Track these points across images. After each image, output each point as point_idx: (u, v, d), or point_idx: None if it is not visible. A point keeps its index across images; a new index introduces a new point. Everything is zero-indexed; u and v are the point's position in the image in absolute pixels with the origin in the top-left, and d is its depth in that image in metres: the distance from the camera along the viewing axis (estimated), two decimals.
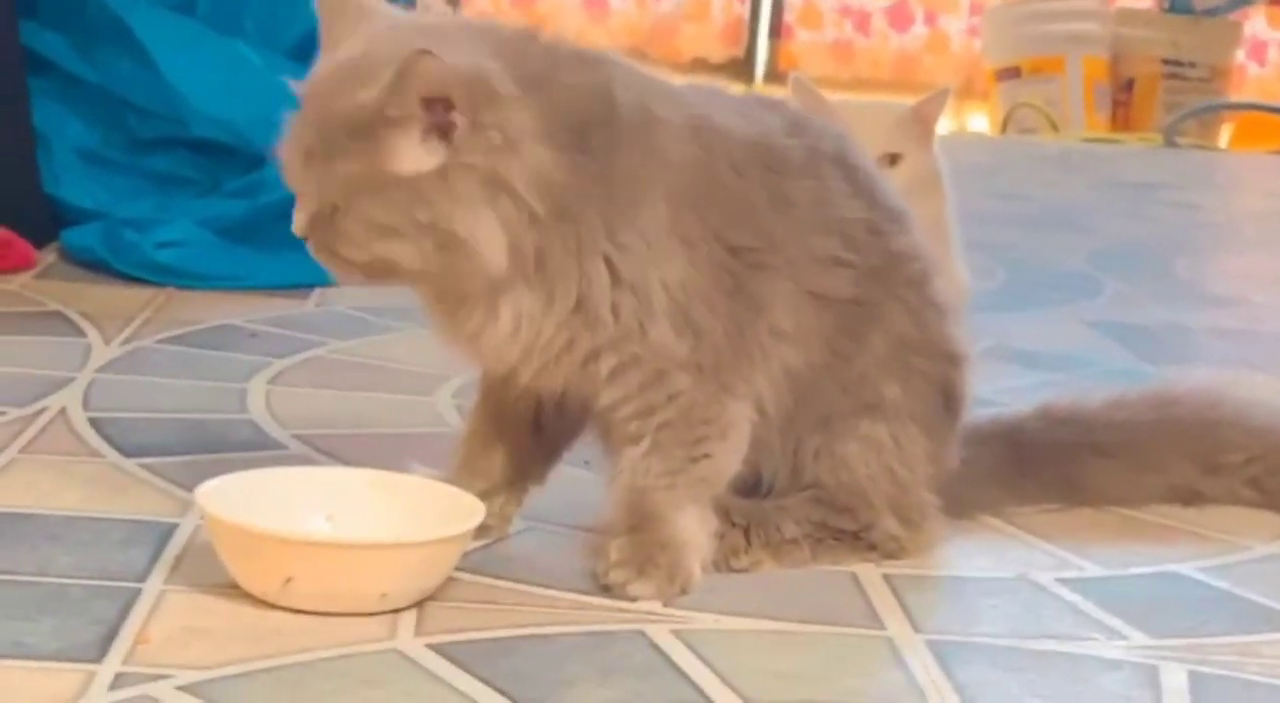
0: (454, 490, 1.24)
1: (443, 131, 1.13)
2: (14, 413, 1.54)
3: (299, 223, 1.23)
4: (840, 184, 1.28)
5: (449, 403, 1.70)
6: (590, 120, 1.18)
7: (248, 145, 2.27)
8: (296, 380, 1.75)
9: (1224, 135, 7.18)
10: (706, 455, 1.23)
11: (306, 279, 2.20)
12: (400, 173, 1.14)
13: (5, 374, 1.67)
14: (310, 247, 1.23)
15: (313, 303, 2.14)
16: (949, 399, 1.31)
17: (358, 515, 1.21)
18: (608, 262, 1.18)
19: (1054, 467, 1.44)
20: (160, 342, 1.86)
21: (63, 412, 1.56)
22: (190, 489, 1.22)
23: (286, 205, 2.25)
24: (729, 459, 1.25)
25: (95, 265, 2.19)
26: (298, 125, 1.24)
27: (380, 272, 1.18)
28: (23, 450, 1.44)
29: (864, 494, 1.28)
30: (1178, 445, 1.48)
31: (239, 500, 1.16)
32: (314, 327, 2.00)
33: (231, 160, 2.33)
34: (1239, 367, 2.19)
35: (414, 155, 1.14)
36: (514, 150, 1.14)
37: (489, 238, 1.14)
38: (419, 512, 1.21)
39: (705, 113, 1.25)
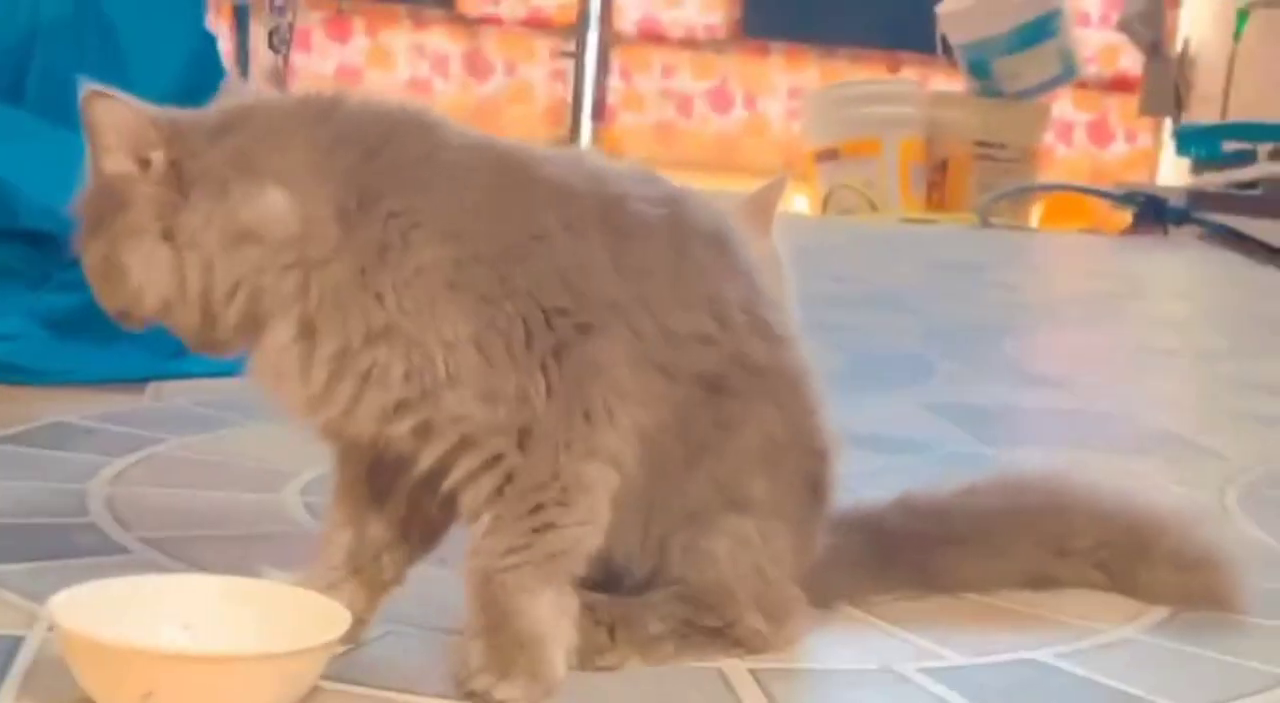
0: (313, 596, 1.21)
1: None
2: None
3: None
4: (716, 261, 1.26)
5: (296, 500, 1.66)
6: (362, 161, 1.17)
7: None
8: (138, 480, 1.70)
9: (1035, 214, 7.38)
10: (550, 526, 1.17)
11: (141, 372, 2.16)
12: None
13: None
14: None
15: (149, 397, 2.09)
16: (816, 493, 1.31)
17: (216, 625, 1.18)
18: (363, 311, 1.15)
19: (912, 555, 1.46)
20: None
21: None
22: (36, 599, 1.18)
23: None
24: (581, 530, 1.18)
25: None
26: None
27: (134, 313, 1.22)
28: None
29: (729, 591, 1.27)
30: (1028, 531, 1.50)
31: (92, 612, 1.12)
32: (152, 422, 1.95)
33: (57, 252, 2.27)
34: (1074, 447, 2.23)
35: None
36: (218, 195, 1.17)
37: (150, 276, 1.19)
38: (278, 619, 1.18)
39: (532, 167, 1.21)
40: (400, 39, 7.64)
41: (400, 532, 1.27)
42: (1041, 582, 1.51)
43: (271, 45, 4.05)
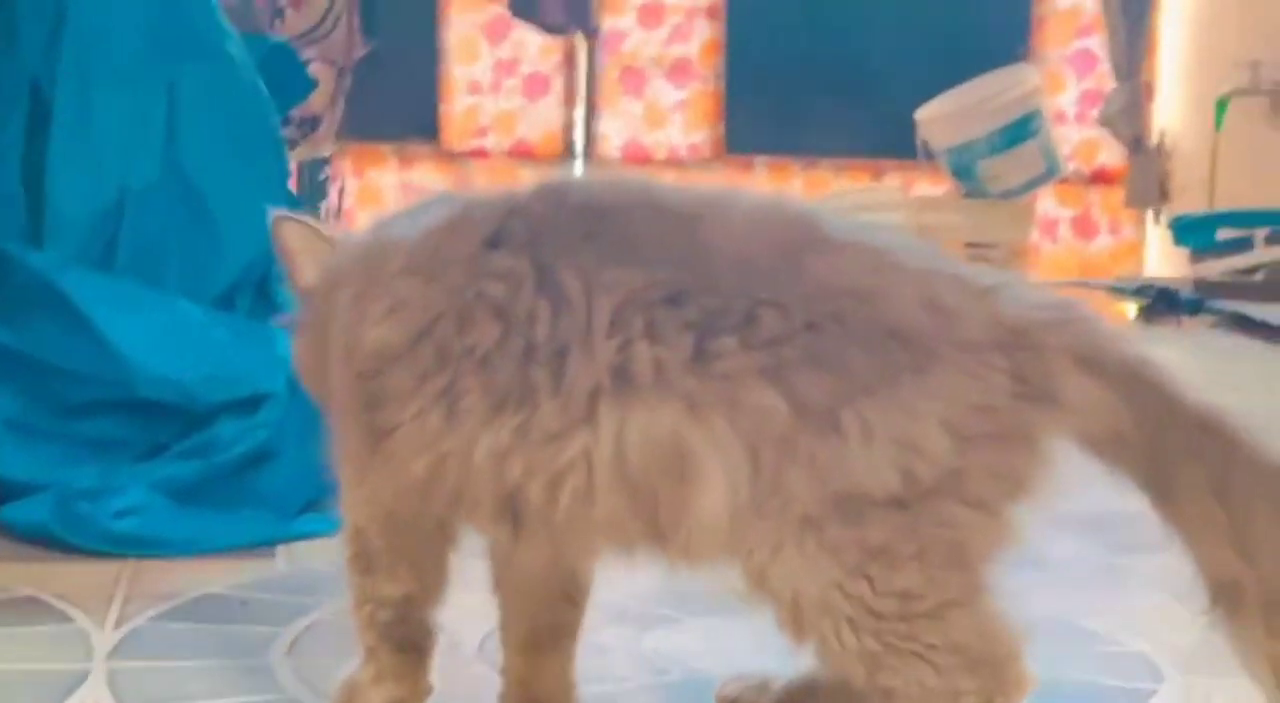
0: None
1: None
2: None
3: None
4: None
5: (478, 656, 1.64)
6: None
7: (195, 404, 2.21)
8: (314, 650, 1.68)
9: None
10: None
11: (266, 536, 2.14)
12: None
13: (14, 672, 1.58)
14: None
15: (283, 561, 2.07)
16: None
17: None
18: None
19: None
20: (153, 620, 1.78)
21: None
22: None
23: (240, 463, 2.22)
24: None
25: (41, 540, 2.09)
26: None
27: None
28: None
29: None
30: None
31: None
32: (300, 588, 1.93)
33: (169, 420, 2.27)
34: None
35: None
36: None
37: None
38: None
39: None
40: (387, 177, 7.68)
41: None
42: None
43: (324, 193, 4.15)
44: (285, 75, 2.71)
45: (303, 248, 1.41)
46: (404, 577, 1.37)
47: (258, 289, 2.47)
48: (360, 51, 3.60)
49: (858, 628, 1.20)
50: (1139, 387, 1.23)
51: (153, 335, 2.22)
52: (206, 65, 2.44)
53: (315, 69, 3.37)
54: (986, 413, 1.20)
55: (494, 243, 1.26)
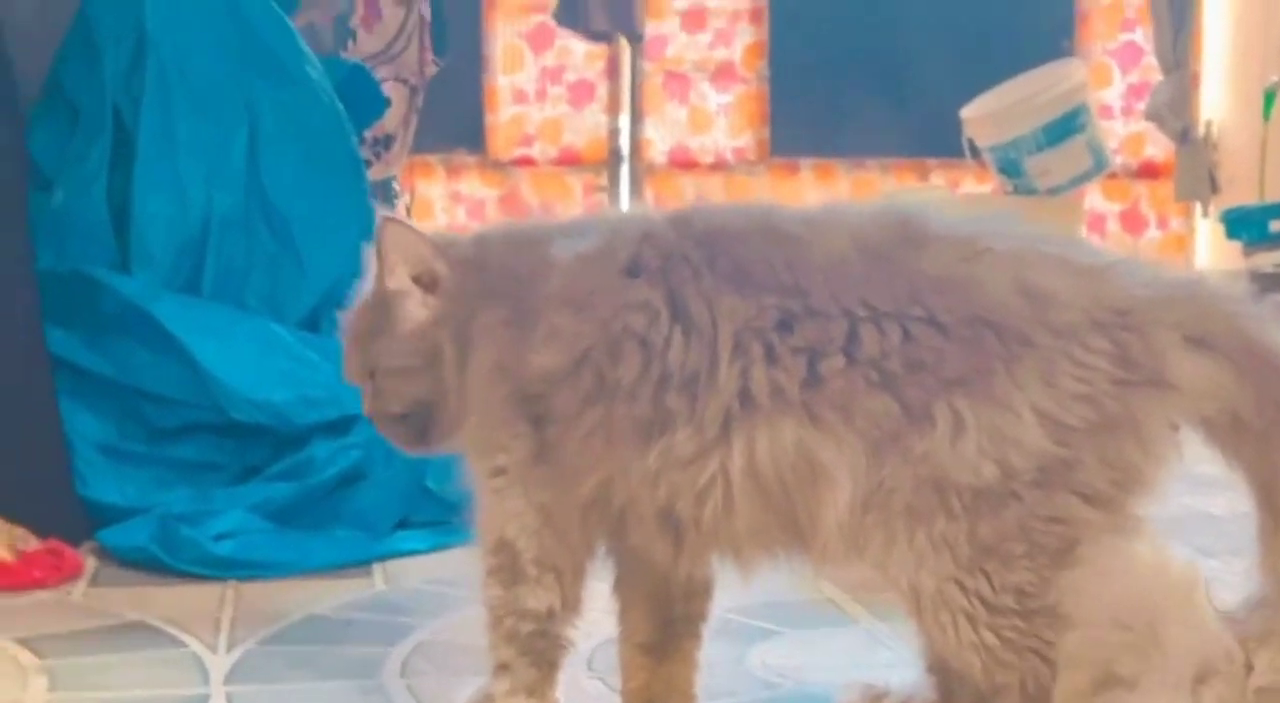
0: None
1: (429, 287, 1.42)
2: None
3: (365, 406, 1.48)
4: None
5: (585, 672, 1.66)
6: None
7: (289, 425, 2.24)
8: (424, 670, 1.70)
9: None
10: None
11: (362, 556, 2.16)
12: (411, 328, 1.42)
13: (135, 698, 1.61)
14: (379, 427, 1.49)
15: (380, 581, 2.09)
16: None
17: None
18: None
19: None
20: (263, 643, 1.80)
21: None
22: None
23: (334, 483, 2.25)
24: None
25: (141, 564, 2.12)
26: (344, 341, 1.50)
27: (417, 418, 1.45)
28: None
29: None
30: None
31: None
32: (399, 608, 1.96)
33: (260, 442, 2.30)
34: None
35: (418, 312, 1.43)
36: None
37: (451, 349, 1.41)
38: None
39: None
40: (435, 189, 7.70)
41: None
42: None
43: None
44: (362, 97, 2.73)
45: (401, 251, 1.42)
46: (551, 589, 1.39)
47: (339, 312, 2.49)
48: (431, 69, 3.63)
49: (975, 622, 1.22)
50: (1259, 366, 1.21)
51: (244, 359, 2.25)
52: (287, 90, 2.47)
53: (388, 88, 3.40)
54: (1087, 400, 1.20)
55: (632, 272, 1.30)
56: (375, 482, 2.24)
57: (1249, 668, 1.16)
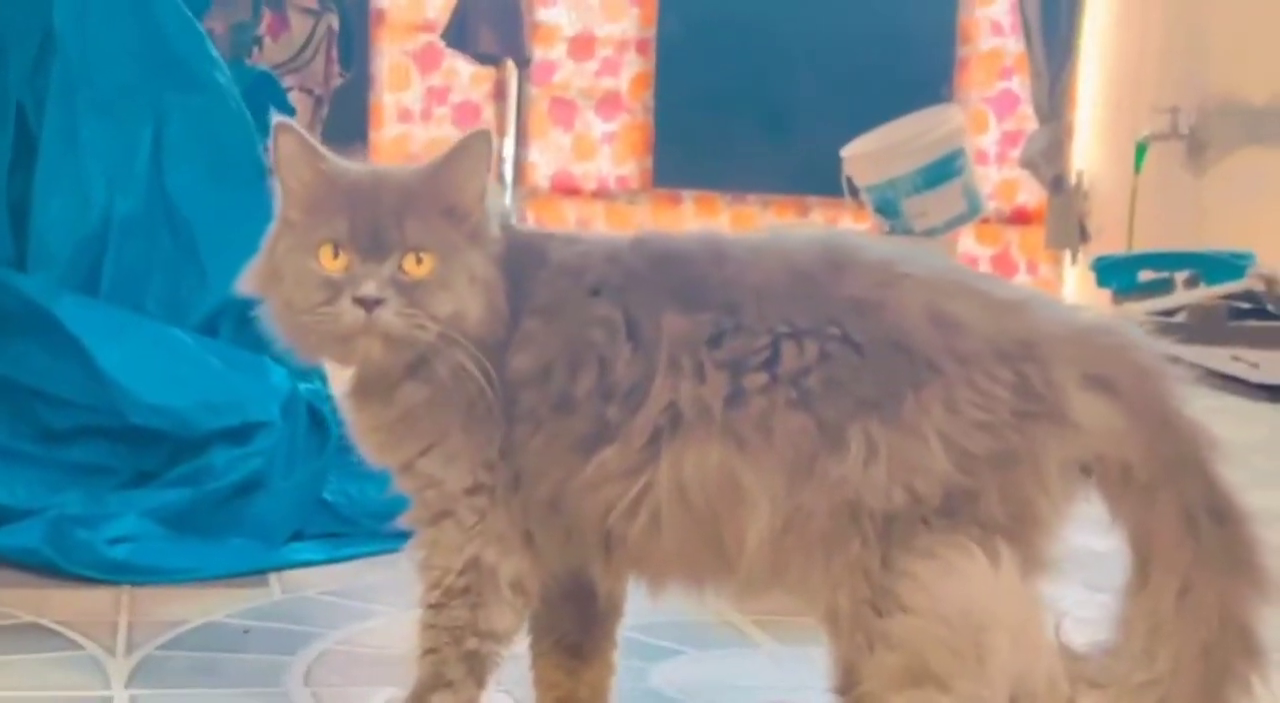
0: None
1: None
2: None
3: (373, 286, 1.29)
4: None
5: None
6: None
7: (189, 431, 2.21)
8: (330, 680, 1.69)
9: None
10: None
11: (257, 565, 2.15)
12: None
13: (35, 699, 1.58)
14: (376, 312, 1.29)
15: (278, 589, 2.07)
16: None
17: None
18: None
19: None
20: (162, 649, 1.78)
21: None
22: None
23: (232, 491, 2.23)
24: None
25: (30, 566, 2.08)
26: (368, 198, 1.32)
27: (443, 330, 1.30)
28: None
29: None
30: None
31: None
32: (298, 617, 1.95)
33: (155, 447, 2.27)
34: None
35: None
36: None
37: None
38: None
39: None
40: None
41: None
42: None
43: None
44: (268, 104, 2.71)
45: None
46: (520, 612, 1.39)
47: (239, 318, 2.47)
48: (337, 81, 3.63)
49: (892, 647, 1.24)
50: (1155, 420, 1.23)
51: (146, 363, 2.22)
52: (194, 94, 2.44)
53: (293, 98, 3.38)
54: (988, 429, 1.23)
55: (596, 290, 1.33)
56: (273, 491, 2.22)
57: None
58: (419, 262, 1.31)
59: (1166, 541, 1.22)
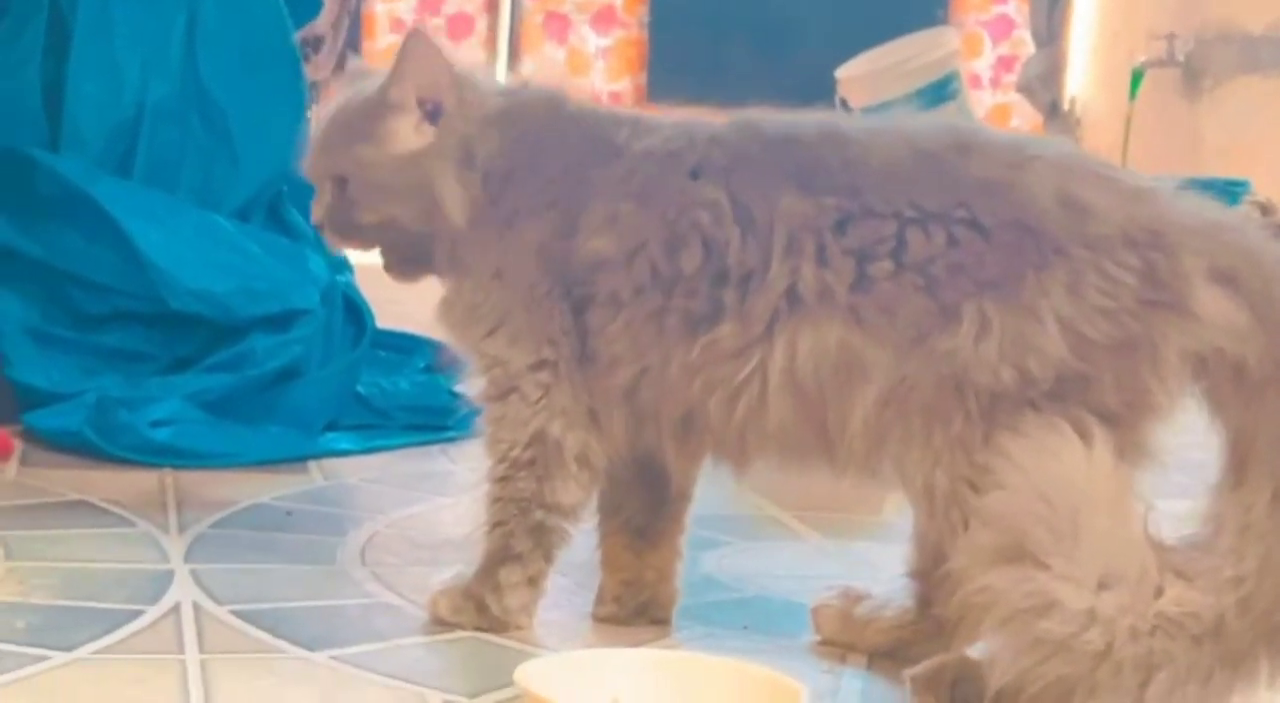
0: (744, 669, 1.22)
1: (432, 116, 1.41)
2: (150, 610, 1.47)
3: (316, 212, 1.45)
4: None
5: None
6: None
7: (230, 317, 2.21)
8: (385, 560, 1.70)
9: None
10: None
11: (295, 452, 2.15)
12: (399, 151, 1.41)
13: (97, 570, 1.59)
14: (326, 233, 1.46)
15: (319, 477, 2.08)
16: None
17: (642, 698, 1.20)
18: None
19: None
20: (214, 527, 1.79)
21: (198, 608, 1.49)
22: (402, 679, 1.28)
23: (272, 378, 2.23)
24: None
25: (71, 448, 2.08)
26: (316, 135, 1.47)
27: (384, 233, 1.43)
28: (205, 651, 1.37)
29: None
30: None
31: (549, 681, 1.15)
32: (341, 502, 1.96)
33: (192, 333, 2.26)
34: None
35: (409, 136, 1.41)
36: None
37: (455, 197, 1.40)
38: (703, 695, 1.20)
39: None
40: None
41: None
42: None
43: None
44: None
45: (418, 67, 1.41)
46: (585, 487, 1.41)
47: (270, 208, 2.46)
48: None
49: (988, 523, 1.24)
50: (1276, 317, 1.22)
51: (186, 247, 2.21)
52: None
53: None
54: (1109, 315, 1.23)
55: (698, 172, 1.33)
56: (310, 380, 2.22)
57: (1158, 593, 1.18)
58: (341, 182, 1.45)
59: (1269, 442, 1.21)
